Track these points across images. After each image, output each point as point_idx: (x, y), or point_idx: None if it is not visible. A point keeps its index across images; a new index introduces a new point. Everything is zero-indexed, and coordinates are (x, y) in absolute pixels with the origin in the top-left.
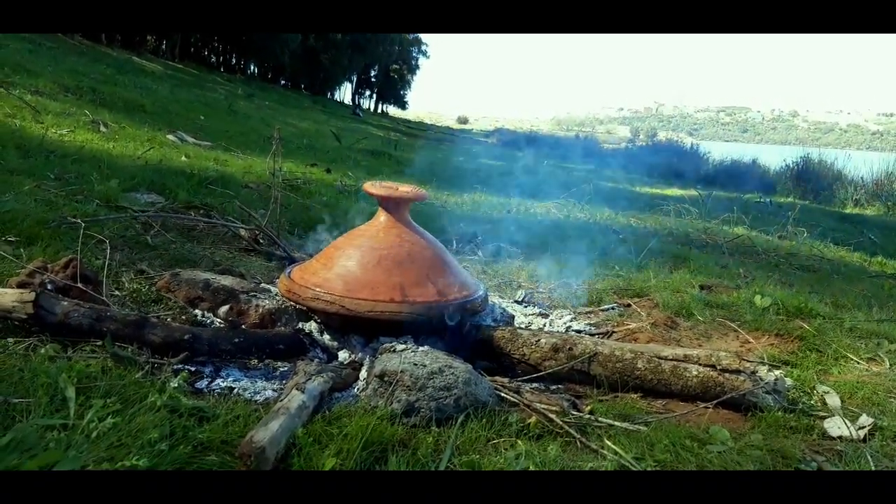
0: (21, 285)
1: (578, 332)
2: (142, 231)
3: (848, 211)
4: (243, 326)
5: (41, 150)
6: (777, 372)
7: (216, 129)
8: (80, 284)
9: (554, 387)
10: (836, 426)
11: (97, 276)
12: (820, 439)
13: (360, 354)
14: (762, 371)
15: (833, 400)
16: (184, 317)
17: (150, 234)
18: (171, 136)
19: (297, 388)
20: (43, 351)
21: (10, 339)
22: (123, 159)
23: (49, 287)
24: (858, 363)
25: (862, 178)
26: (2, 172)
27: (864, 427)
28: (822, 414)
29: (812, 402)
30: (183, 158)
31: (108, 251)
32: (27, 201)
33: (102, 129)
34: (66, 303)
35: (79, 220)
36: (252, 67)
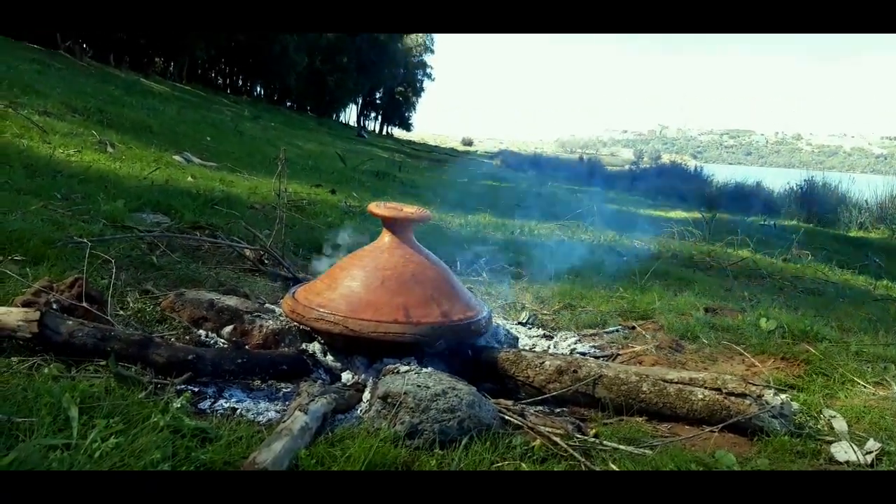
0: (26, 304)
1: (583, 354)
2: (147, 251)
3: (852, 234)
4: (247, 347)
5: (48, 170)
6: (783, 396)
7: (222, 150)
8: (85, 304)
9: (558, 409)
10: (843, 451)
11: (102, 295)
12: (827, 464)
13: (363, 376)
14: (768, 395)
15: (840, 424)
16: (188, 337)
17: (155, 254)
18: (177, 157)
19: (300, 410)
20: (47, 370)
21: (15, 358)
22: (130, 179)
23: (54, 306)
24: (865, 387)
25: (866, 201)
26: (9, 192)
27: (871, 452)
28: (828, 438)
29: (819, 426)
30: (189, 179)
31: (114, 271)
32: (34, 221)
33: (109, 149)
34: (70, 322)
35: (85, 240)
36: (258, 89)
